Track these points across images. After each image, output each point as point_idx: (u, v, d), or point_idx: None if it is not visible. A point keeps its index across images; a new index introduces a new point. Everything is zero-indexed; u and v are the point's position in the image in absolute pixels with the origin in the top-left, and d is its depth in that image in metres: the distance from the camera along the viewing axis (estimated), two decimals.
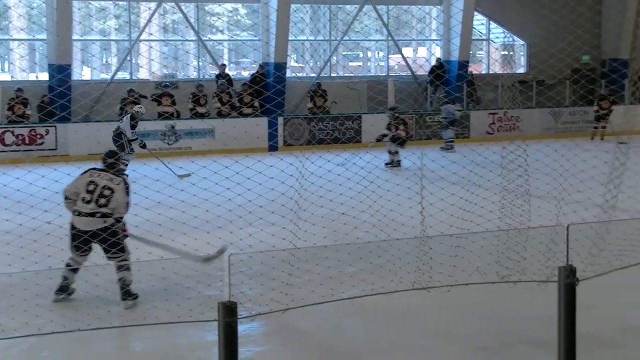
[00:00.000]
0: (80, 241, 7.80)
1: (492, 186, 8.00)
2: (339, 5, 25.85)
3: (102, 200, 7.90)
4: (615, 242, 6.05)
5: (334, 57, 26.25)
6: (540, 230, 6.34)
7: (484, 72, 27.74)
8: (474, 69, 27.21)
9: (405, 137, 17.66)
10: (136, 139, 16.68)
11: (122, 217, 8.04)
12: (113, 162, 8.24)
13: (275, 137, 21.52)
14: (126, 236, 8.13)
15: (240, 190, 8.06)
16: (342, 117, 22.60)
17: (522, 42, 27.94)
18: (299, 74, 25.75)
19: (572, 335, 4.83)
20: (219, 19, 25.70)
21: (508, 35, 26.04)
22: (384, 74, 26.51)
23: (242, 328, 7.06)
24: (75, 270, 7.91)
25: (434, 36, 27.98)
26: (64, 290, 8.00)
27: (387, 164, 16.99)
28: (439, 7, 26.68)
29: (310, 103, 23.38)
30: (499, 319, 7.61)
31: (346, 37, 26.04)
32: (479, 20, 27.27)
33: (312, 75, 25.48)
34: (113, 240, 7.78)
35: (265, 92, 22.15)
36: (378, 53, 27.92)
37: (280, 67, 23.13)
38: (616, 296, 7.93)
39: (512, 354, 6.90)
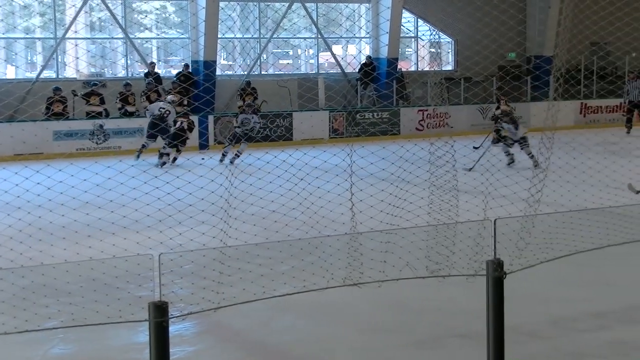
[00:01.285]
0: None
1: (420, 182, 8.09)
2: (268, 3, 25.83)
3: None
4: (540, 235, 6.17)
5: (264, 55, 26.22)
6: (468, 225, 6.43)
7: (412, 69, 28.01)
8: (403, 66, 27.46)
9: None
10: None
11: None
12: None
13: (205, 135, 21.41)
14: None
15: (169, 189, 8.00)
16: (272, 115, 22.59)
17: (449, 40, 28.28)
18: (229, 72, 25.66)
19: (500, 327, 4.90)
20: (146, 16, 25.45)
21: (435, 33, 26.33)
22: (314, 72, 26.58)
23: (174, 328, 7.03)
24: None
25: (363, 34, 28.15)
26: None
27: None
28: (367, 4, 26.84)
29: (240, 101, 23.32)
30: (429, 313, 7.70)
31: (276, 35, 26.02)
32: (407, 18, 27.53)
33: (242, 73, 25.41)
34: None
35: (194, 91, 22.02)
36: (308, 51, 27.97)
37: (210, 65, 23.01)
38: (543, 288, 8.10)
39: (443, 347, 6.99)
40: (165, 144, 17.92)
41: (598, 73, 27.65)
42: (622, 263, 8.90)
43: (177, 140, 17.60)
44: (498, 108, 19.92)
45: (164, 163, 17.29)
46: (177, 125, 18.32)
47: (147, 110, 19.51)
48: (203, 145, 21.20)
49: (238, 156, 16.99)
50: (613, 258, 8.55)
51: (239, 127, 18.49)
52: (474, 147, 16.47)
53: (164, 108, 18.85)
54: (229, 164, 15.92)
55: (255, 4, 25.44)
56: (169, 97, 19.69)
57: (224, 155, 17.33)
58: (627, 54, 27.48)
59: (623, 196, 9.38)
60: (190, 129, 18.91)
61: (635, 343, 6.95)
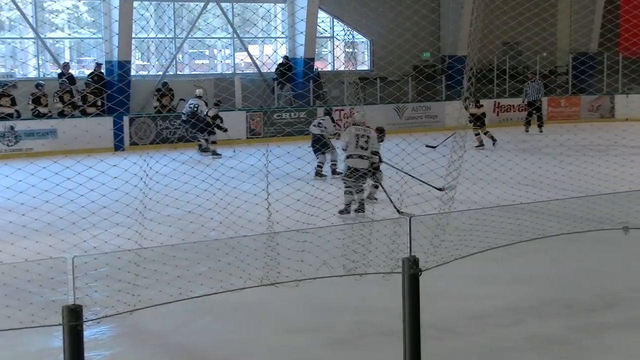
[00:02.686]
0: None
1: (337, 181, 8.13)
2: (182, 3, 25.60)
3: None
4: (455, 232, 6.26)
5: (179, 55, 25.98)
6: (384, 223, 6.50)
7: (329, 69, 28.11)
8: (319, 66, 27.53)
9: None
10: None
11: None
12: None
13: (120, 136, 21.11)
14: None
15: (82, 191, 7.86)
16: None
17: (365, 40, 28.47)
18: (144, 72, 25.36)
19: (416, 323, 4.95)
20: (57, 15, 24.95)
21: (349, 33, 26.49)
22: (230, 72, 26.44)
23: (90, 332, 6.91)
24: None
25: (279, 34, 28.13)
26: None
27: None
28: (282, 4, 26.82)
29: (156, 102, 23.06)
30: (347, 312, 7.74)
31: (191, 35, 25.81)
32: (322, 18, 27.61)
33: (158, 73, 25.13)
34: None
35: (107, 91, 21.69)
36: (224, 51, 27.81)
37: (124, 65, 22.70)
38: (458, 285, 8.22)
39: (361, 345, 7.04)
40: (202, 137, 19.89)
41: (510, 72, 28.18)
42: (534, 258, 9.10)
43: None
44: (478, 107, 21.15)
45: (215, 152, 19.03)
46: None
47: (183, 113, 20.61)
48: (118, 147, 20.90)
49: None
50: (525, 253, 8.75)
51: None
52: (428, 146, 16.70)
53: (192, 103, 20.15)
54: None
55: (169, 3, 25.19)
56: (198, 91, 20.76)
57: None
58: (538, 54, 28.08)
59: (534, 193, 9.59)
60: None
61: (550, 337, 7.10)
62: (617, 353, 6.68)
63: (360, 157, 11.92)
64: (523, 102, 26.00)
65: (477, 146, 20.79)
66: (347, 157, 12.00)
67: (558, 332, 7.16)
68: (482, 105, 22.05)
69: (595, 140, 17.95)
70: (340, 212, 11.08)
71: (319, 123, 16.27)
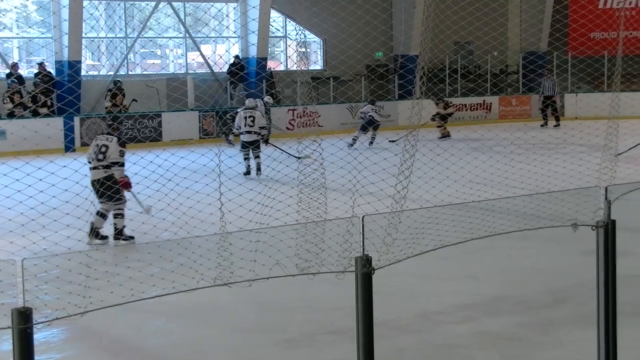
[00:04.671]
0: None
1: (289, 180, 8.13)
2: (133, 2, 25.41)
3: (100, 156, 10.37)
4: (407, 231, 6.28)
5: (131, 55, 25.78)
6: (337, 222, 6.49)
7: (281, 68, 28.10)
8: (271, 65, 27.50)
9: None
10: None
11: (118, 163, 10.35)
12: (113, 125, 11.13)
13: (70, 137, 20.89)
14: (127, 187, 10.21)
15: (32, 192, 7.77)
16: (139, 115, 22.23)
17: (318, 39, 28.50)
18: (95, 72, 25.12)
19: (370, 322, 4.97)
20: (5, 14, 24.60)
21: (301, 32, 26.49)
22: (182, 72, 26.30)
23: (41, 335, 6.83)
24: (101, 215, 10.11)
25: (231, 33, 28.05)
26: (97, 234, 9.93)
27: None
28: (235, 4, 26.75)
29: (108, 102, 22.85)
30: (300, 311, 7.75)
31: (142, 34, 25.62)
32: (274, 18, 27.57)
33: (109, 73, 24.91)
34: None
35: (56, 91, 21.44)
36: (176, 50, 27.65)
37: (74, 65, 22.47)
38: (411, 283, 8.27)
39: (315, 344, 7.05)
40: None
41: (461, 72, 28.41)
42: (485, 256, 9.20)
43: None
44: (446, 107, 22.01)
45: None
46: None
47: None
48: (68, 147, 20.67)
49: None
50: (477, 251, 8.83)
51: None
52: (391, 141, 17.08)
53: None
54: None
55: (119, 2, 24.97)
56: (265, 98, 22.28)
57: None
58: (489, 53, 28.35)
59: (485, 191, 9.68)
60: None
61: (500, 333, 7.18)
62: (566, 348, 6.78)
63: (249, 132, 16.31)
64: (540, 96, 26.87)
65: (443, 137, 21.61)
66: (241, 133, 16.51)
67: (508, 329, 7.25)
68: (452, 105, 22.78)
69: (545, 139, 18.19)
70: (244, 173, 14.64)
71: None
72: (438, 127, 23.04)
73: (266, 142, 17.29)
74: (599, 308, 4.80)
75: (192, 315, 7.63)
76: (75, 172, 7.58)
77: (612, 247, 4.80)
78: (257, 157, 16.02)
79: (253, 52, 25.89)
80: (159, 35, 26.81)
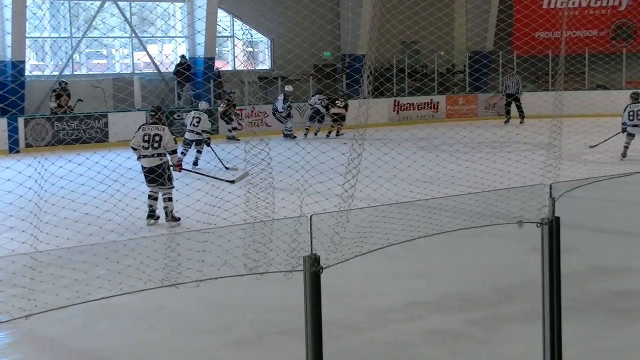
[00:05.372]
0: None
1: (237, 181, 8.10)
2: (78, 1, 25.11)
3: (155, 144, 11.36)
4: (355, 229, 6.29)
5: (76, 55, 25.47)
6: (285, 222, 6.48)
7: (229, 68, 27.99)
8: (219, 65, 27.38)
9: None
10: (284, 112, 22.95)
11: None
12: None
13: (14, 138, 20.58)
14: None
15: None
16: (84, 116, 21.98)
17: (265, 39, 28.45)
18: (39, 72, 24.78)
19: (318, 321, 4.97)
20: None
21: (247, 32, 26.44)
22: (129, 72, 26.06)
23: None
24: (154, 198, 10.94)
25: (179, 33, 27.86)
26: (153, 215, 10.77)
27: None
28: (181, 3, 26.58)
29: (53, 102, 22.54)
30: (249, 311, 7.73)
31: (88, 34, 25.34)
32: (222, 17, 27.46)
33: (54, 73, 24.59)
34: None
35: None
36: (122, 50, 27.39)
37: (17, 65, 22.14)
38: (359, 281, 8.30)
39: (264, 344, 7.03)
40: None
41: (408, 71, 28.58)
42: (433, 254, 9.26)
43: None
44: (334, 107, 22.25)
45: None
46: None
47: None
48: (12, 148, 20.38)
49: None
50: (425, 249, 8.88)
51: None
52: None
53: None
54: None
55: (63, 2, 24.66)
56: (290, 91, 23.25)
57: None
58: (435, 53, 28.57)
59: (432, 189, 9.74)
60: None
61: (448, 330, 7.24)
62: (513, 344, 6.85)
63: (191, 131, 17.32)
64: (503, 95, 27.44)
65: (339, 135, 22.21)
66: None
67: (456, 326, 7.31)
68: (346, 105, 23.00)
69: (490, 137, 18.36)
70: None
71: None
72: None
73: (208, 144, 17.49)
74: (544, 304, 4.86)
75: (140, 317, 7.56)
76: (19, 173, 7.46)
77: (556, 244, 4.86)
78: (199, 151, 17.15)
79: (200, 51, 25.75)
80: (105, 35, 26.52)
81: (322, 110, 23.93)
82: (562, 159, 7.32)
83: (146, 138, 11.49)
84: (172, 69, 25.69)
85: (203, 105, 18.74)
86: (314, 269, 4.89)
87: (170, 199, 11.03)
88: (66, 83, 23.15)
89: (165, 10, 26.90)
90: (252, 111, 24.39)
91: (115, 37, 26.74)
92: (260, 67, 28.68)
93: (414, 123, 26.90)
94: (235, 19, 27.86)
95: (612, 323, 7.37)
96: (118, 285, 6.67)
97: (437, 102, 28.80)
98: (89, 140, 21.12)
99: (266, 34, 27.93)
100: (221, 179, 10.97)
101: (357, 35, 27.58)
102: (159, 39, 28.01)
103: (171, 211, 10.93)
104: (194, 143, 17.41)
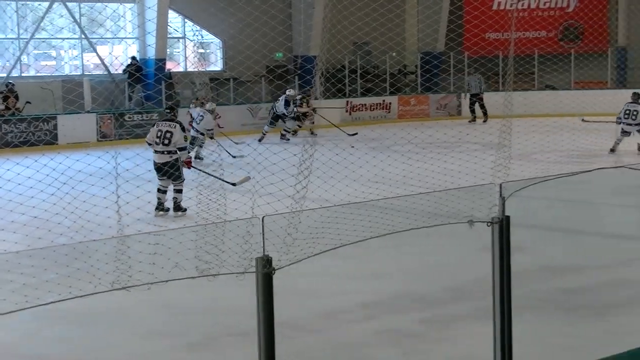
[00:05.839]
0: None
1: (188, 182, 8.05)
2: (25, 2, 24.76)
3: (166, 141, 11.92)
4: (307, 230, 6.29)
5: (24, 56, 25.11)
6: (237, 223, 6.46)
7: (180, 69, 27.82)
8: (170, 66, 27.19)
9: None
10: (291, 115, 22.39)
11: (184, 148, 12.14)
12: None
13: None
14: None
15: None
16: (32, 118, 21.68)
17: (217, 40, 28.32)
18: None
19: (270, 323, 4.95)
20: None
21: (198, 33, 26.31)
22: (79, 74, 25.77)
23: None
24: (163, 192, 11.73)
25: (129, 34, 27.62)
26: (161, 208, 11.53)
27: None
28: (131, 4, 26.34)
29: (0, 104, 22.21)
30: (201, 313, 7.68)
31: (36, 35, 24.99)
32: (172, 19, 27.25)
33: (1, 75, 24.21)
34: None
35: None
36: (71, 52, 27.06)
37: None
38: (311, 282, 8.28)
39: (216, 347, 7.00)
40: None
41: (360, 72, 28.64)
42: (385, 254, 9.29)
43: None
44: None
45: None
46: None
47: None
48: None
49: None
50: (377, 249, 8.91)
51: None
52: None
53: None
54: None
55: (9, 2, 24.29)
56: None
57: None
58: (386, 53, 28.68)
59: (384, 190, 9.79)
60: None
61: (401, 330, 7.27)
62: (465, 343, 6.90)
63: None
64: (465, 94, 27.87)
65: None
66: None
67: (409, 326, 7.34)
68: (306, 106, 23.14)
69: (441, 137, 18.49)
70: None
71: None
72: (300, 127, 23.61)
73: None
74: (494, 302, 4.89)
75: (90, 321, 7.48)
76: None
77: (506, 243, 4.90)
78: (199, 146, 17.61)
79: (151, 53, 25.56)
80: (53, 36, 26.19)
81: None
82: (512, 159, 7.39)
83: (159, 134, 12.05)
84: (119, 70, 25.44)
85: (211, 105, 18.89)
86: (266, 271, 4.87)
87: (179, 191, 11.75)
88: (13, 85, 22.80)
89: (114, 11, 26.61)
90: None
91: (64, 39, 26.41)
92: (211, 68, 28.54)
93: (367, 124, 26.96)
94: (186, 19, 27.68)
95: (561, 320, 7.46)
96: (68, 289, 6.58)
97: (390, 103, 28.90)
98: (37, 143, 20.81)
99: (217, 35, 27.80)
100: (225, 181, 11.07)
101: (309, 36, 27.56)
102: (108, 40, 27.73)
103: (179, 202, 11.67)
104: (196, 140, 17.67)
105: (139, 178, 8.66)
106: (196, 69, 25.05)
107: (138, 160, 8.76)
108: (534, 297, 7.86)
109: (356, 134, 22.51)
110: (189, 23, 27.69)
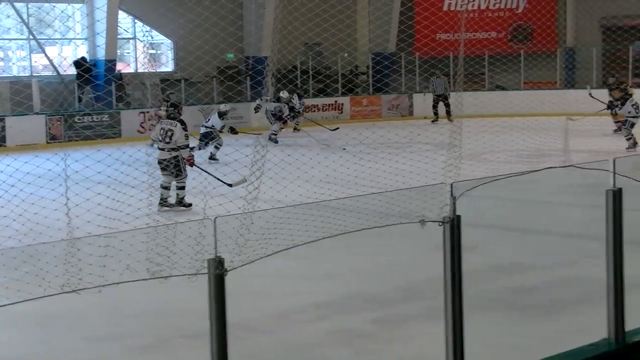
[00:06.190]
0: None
1: (138, 184, 7.98)
2: None
3: (167, 139, 12.35)
4: (259, 231, 6.29)
5: None
6: (189, 225, 6.44)
7: (131, 70, 27.59)
8: (121, 67, 26.95)
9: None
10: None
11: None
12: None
13: None
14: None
15: None
16: None
17: (168, 41, 28.14)
18: None
19: (223, 324, 4.93)
20: None
21: (148, 34, 26.11)
22: (27, 75, 25.43)
23: None
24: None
25: (78, 35, 27.33)
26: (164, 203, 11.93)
27: None
28: (80, 4, 26.05)
29: None
30: (153, 316, 7.63)
31: None
32: (121, 19, 27.00)
33: None
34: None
35: None
36: (19, 52, 26.70)
37: None
38: (264, 283, 8.27)
39: (169, 349, 6.96)
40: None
41: (312, 73, 28.66)
42: (337, 254, 9.30)
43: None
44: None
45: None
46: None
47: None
48: None
49: None
50: (329, 250, 8.92)
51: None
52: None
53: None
54: None
55: None
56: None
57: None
58: (338, 54, 28.73)
59: (336, 190, 9.82)
60: None
61: (353, 330, 7.29)
62: (417, 342, 6.94)
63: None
64: (424, 94, 28.47)
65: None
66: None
67: (360, 326, 7.36)
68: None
69: (393, 138, 18.57)
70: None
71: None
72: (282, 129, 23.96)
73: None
74: (446, 302, 4.93)
75: (41, 325, 7.39)
76: None
77: (457, 242, 4.94)
78: (216, 147, 17.77)
79: (101, 54, 25.32)
80: (0, 37, 25.81)
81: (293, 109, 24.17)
82: (463, 159, 7.46)
83: (162, 132, 12.55)
84: (71, 71, 25.16)
85: (225, 107, 19.07)
86: (218, 272, 4.85)
87: (182, 188, 12.25)
88: None
89: (63, 11, 26.30)
90: (155, 114, 24.06)
91: (11, 39, 26.05)
92: (162, 69, 28.36)
93: (319, 124, 26.99)
94: (136, 20, 27.47)
95: (511, 320, 7.54)
96: (17, 293, 6.50)
97: (342, 104, 28.98)
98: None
99: (168, 35, 27.62)
100: (222, 181, 11.18)
101: (260, 36, 27.50)
102: (57, 41, 27.40)
103: (182, 198, 12.18)
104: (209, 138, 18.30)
105: (88, 180, 8.57)
106: (147, 70, 24.85)
107: (87, 162, 8.67)
108: (484, 296, 7.93)
109: (338, 128, 23.21)
110: (139, 24, 27.47)
